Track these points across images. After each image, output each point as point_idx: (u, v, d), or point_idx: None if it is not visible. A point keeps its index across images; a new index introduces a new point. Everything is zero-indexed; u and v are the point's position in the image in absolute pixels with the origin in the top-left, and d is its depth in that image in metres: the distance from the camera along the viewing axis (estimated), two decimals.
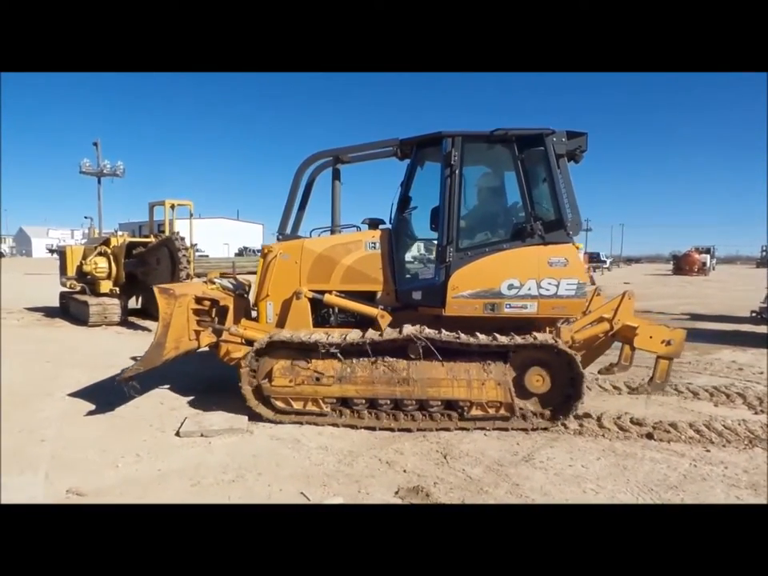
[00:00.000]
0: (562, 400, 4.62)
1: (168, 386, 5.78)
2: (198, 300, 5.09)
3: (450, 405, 4.64)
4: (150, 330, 10.10)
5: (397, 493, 3.40)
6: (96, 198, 35.59)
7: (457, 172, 4.76)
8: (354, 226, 5.57)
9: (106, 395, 5.43)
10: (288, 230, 5.57)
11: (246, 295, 5.73)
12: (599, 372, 6.07)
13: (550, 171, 4.70)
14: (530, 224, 4.71)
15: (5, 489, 3.36)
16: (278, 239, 5.47)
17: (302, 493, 3.39)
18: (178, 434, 4.38)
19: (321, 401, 4.66)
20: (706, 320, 12.50)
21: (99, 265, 10.91)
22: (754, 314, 11.95)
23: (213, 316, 5.20)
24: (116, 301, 10.52)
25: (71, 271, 11.49)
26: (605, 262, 42.26)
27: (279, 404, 4.67)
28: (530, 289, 4.67)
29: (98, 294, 10.81)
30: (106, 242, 11.33)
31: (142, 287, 10.89)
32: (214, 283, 5.59)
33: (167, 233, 11.48)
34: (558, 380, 4.62)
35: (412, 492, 3.39)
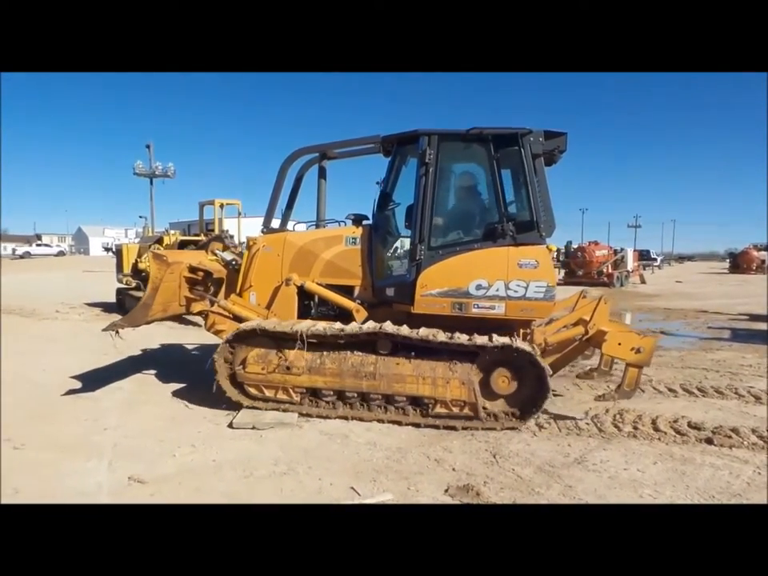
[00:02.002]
0: (529, 401, 4.51)
1: None
2: (192, 269, 5.27)
3: (416, 401, 4.62)
4: (200, 326, 10.41)
5: (446, 491, 3.39)
6: (148, 198, 37.07)
7: (431, 170, 4.75)
8: (337, 222, 5.64)
9: (162, 388, 5.66)
10: (272, 224, 5.64)
11: None
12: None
13: (525, 171, 4.64)
14: (502, 224, 4.65)
15: (73, 475, 3.56)
16: (263, 232, 5.55)
17: (351, 488, 3.43)
18: (230, 426, 4.50)
19: (291, 390, 4.73)
20: (765, 321, 11.90)
21: None
22: None
23: (208, 285, 5.36)
24: None
25: (127, 268, 11.95)
26: (655, 259, 40.80)
27: (252, 390, 4.78)
28: (497, 290, 4.63)
29: None
30: (160, 241, 11.74)
31: None
32: (215, 254, 5.72)
33: (216, 231, 11.79)
34: (525, 381, 4.51)
35: (462, 490, 3.37)
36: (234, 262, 5.61)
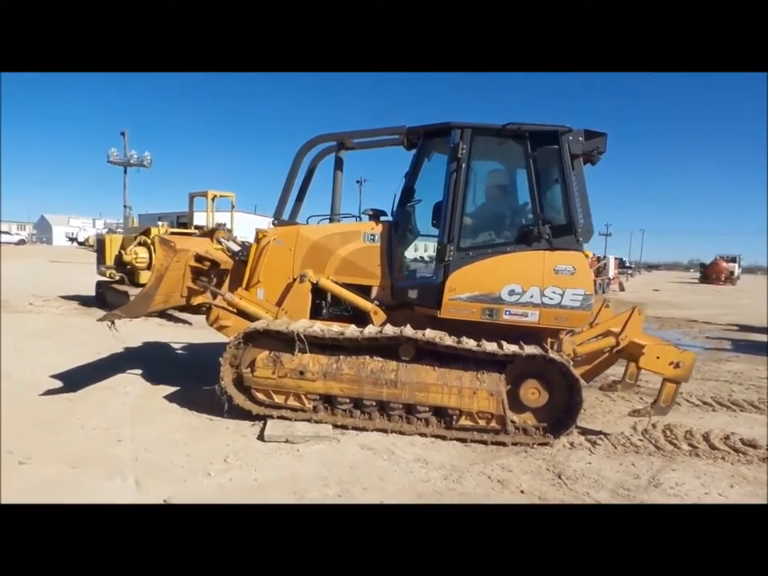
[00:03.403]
0: (559, 414, 4.27)
1: None
2: (199, 258, 4.90)
3: (439, 412, 4.34)
4: (191, 324, 9.87)
5: None
6: (122, 187, 35.63)
7: (463, 166, 4.46)
8: (353, 216, 5.33)
9: (172, 393, 5.17)
10: (284, 216, 5.27)
11: None
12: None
13: (563, 172, 4.38)
14: (537, 227, 4.39)
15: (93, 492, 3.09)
16: (273, 224, 5.19)
17: None
18: (261, 438, 4.08)
19: (304, 396, 4.38)
20: (758, 332, 12.03)
21: (140, 255, 10.64)
22: None
23: (211, 277, 4.99)
24: None
25: (110, 260, 11.26)
26: (630, 267, 41.74)
27: (260, 396, 4.42)
28: (532, 296, 4.36)
29: (137, 285, 10.55)
30: (146, 232, 11.09)
31: None
32: (220, 243, 5.33)
33: (208, 225, 11.23)
34: (556, 393, 4.27)
35: None
36: (240, 253, 5.21)
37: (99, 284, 11.86)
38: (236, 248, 5.29)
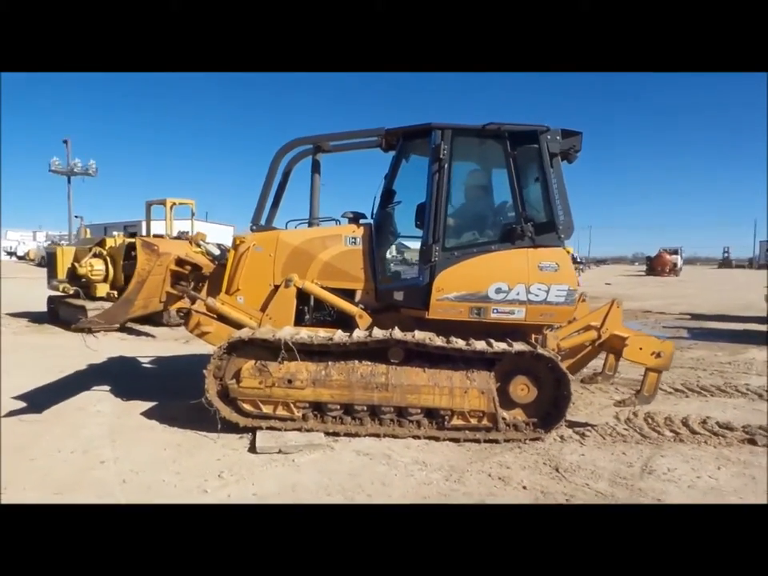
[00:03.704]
0: (548, 409, 4.35)
1: None
2: (180, 262, 4.79)
3: (430, 413, 4.36)
4: (154, 336, 9.52)
5: None
6: (65, 198, 33.89)
7: (446, 166, 4.51)
8: (333, 220, 5.29)
9: (147, 409, 4.95)
10: (262, 221, 5.19)
11: None
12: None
13: (543, 170, 4.49)
14: (520, 225, 4.48)
15: None
16: (252, 230, 5.09)
17: None
18: (252, 450, 3.95)
19: (292, 405, 4.30)
20: (709, 320, 12.65)
21: (95, 267, 10.17)
22: None
23: (189, 281, 4.89)
24: None
25: (62, 274, 10.71)
26: (582, 263, 43.15)
27: (247, 407, 4.31)
28: (518, 294, 4.43)
29: (94, 298, 10.08)
30: (101, 243, 10.62)
31: None
32: (199, 246, 5.21)
33: (168, 232, 10.85)
34: (545, 389, 4.34)
35: None
36: (220, 257, 5.05)
37: (51, 299, 11.28)
38: (216, 251, 5.15)
